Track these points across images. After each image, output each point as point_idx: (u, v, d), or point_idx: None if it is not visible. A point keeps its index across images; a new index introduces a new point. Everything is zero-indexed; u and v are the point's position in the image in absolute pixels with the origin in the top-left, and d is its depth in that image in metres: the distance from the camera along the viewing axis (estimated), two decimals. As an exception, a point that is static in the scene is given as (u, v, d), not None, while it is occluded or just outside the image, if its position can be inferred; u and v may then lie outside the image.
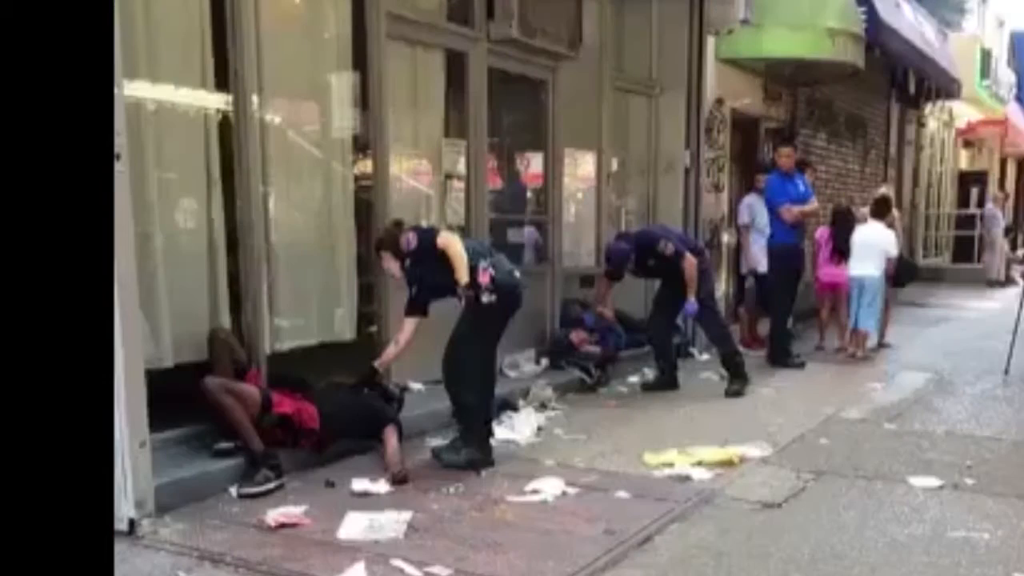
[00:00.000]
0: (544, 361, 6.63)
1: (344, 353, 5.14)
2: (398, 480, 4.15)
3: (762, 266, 8.08)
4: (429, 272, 4.50)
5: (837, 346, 8.26)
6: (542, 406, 5.76)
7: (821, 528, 3.69)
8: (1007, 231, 16.43)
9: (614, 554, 3.36)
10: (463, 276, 4.35)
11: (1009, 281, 15.33)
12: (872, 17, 9.93)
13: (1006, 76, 19.13)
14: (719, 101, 8.98)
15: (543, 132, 7.04)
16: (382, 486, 4.09)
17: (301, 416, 4.33)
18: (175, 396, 3.99)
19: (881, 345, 8.44)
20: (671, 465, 4.49)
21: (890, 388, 6.77)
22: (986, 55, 17.05)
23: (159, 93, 4.22)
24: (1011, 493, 4.15)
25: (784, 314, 7.65)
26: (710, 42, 8.35)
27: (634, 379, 6.80)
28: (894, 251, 7.96)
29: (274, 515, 3.64)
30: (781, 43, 9.01)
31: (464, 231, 5.94)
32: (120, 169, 3.31)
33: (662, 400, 6.23)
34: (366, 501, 3.91)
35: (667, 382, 6.58)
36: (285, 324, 4.89)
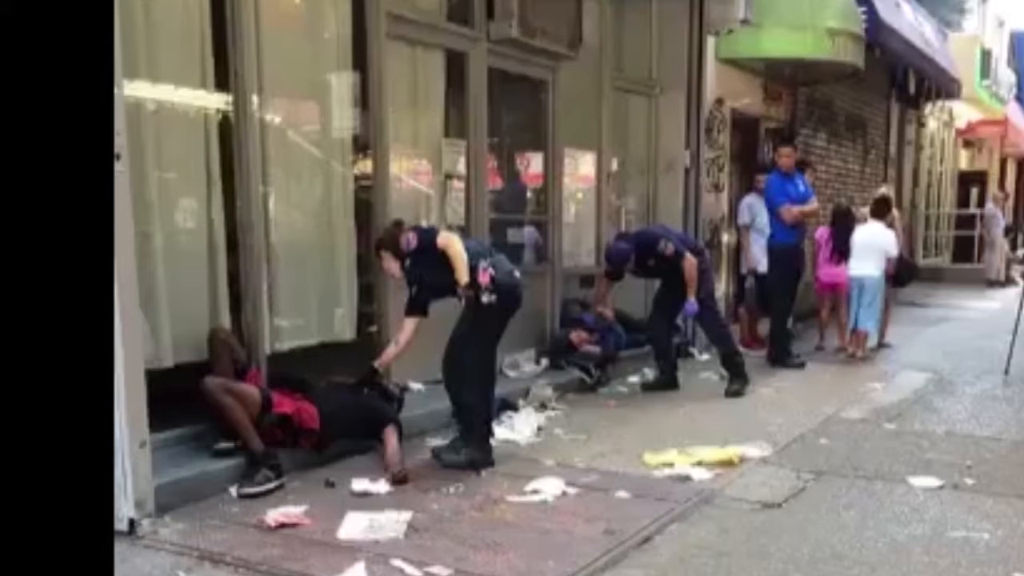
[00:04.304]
0: (544, 361, 6.63)
1: (344, 353, 5.14)
2: (398, 480, 4.15)
3: (762, 266, 8.09)
4: (429, 272, 4.50)
5: (837, 346, 8.26)
6: (542, 406, 5.76)
7: (821, 528, 3.69)
8: (1007, 231, 16.40)
9: (614, 554, 3.36)
10: (463, 276, 4.34)
11: (1009, 281, 15.33)
12: (872, 17, 9.93)
13: (1006, 76, 19.11)
14: (719, 101, 8.98)
15: (543, 132, 7.04)
16: (382, 486, 4.09)
17: (301, 416, 4.33)
18: (175, 396, 3.99)
19: (881, 345, 8.44)
20: (671, 465, 4.49)
21: (890, 388, 6.77)
22: (986, 55, 17.03)
23: (159, 93, 4.22)
24: (1011, 493, 4.15)
25: (784, 314, 7.66)
26: (710, 42, 8.35)
27: (634, 379, 6.80)
28: (894, 251, 7.96)
29: (274, 515, 3.64)
30: (781, 43, 9.01)
31: (464, 231, 5.94)
32: (120, 169, 3.31)
33: (662, 400, 6.23)
34: (366, 501, 3.91)
35: (667, 382, 6.58)
36: (285, 324, 4.89)
